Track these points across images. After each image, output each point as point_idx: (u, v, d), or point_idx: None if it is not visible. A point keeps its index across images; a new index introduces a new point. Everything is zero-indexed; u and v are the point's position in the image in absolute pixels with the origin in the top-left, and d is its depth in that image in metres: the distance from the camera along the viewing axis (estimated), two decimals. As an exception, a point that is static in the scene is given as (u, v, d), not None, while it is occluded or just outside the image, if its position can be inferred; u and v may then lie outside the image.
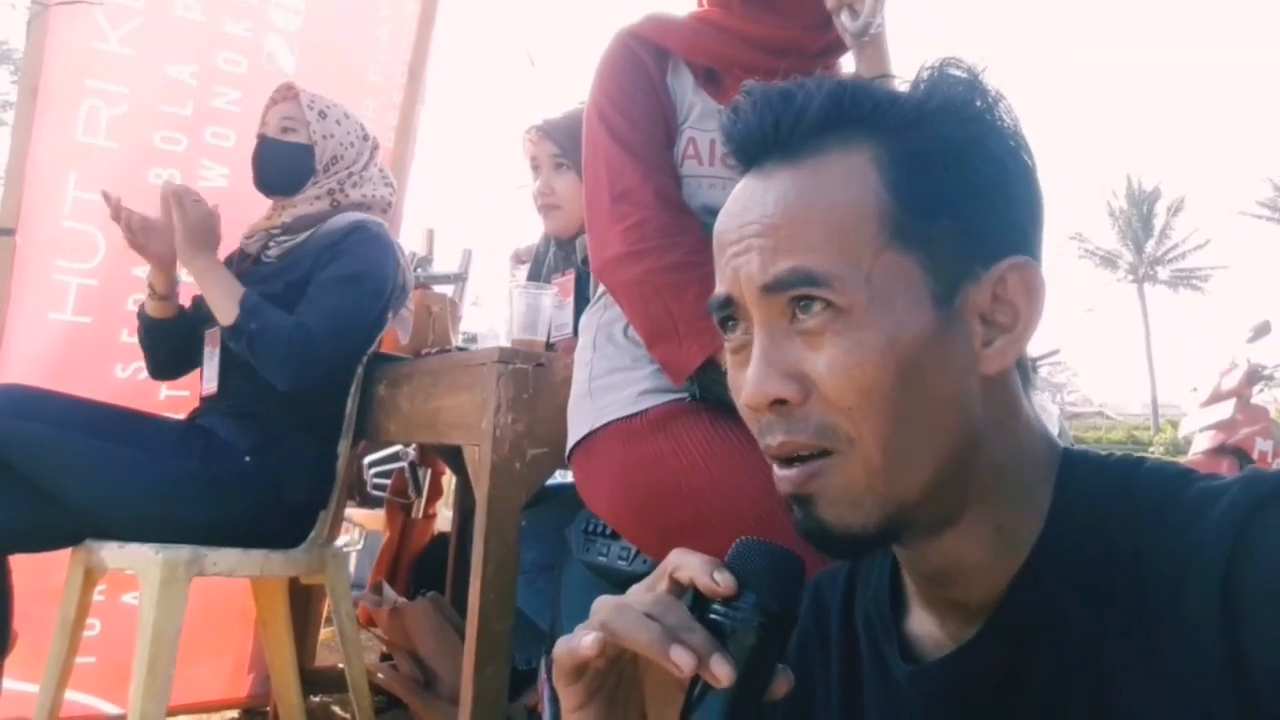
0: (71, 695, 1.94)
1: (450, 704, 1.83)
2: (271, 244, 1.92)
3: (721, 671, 0.51)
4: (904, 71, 0.63)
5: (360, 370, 1.92)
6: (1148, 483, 0.56)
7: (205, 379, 1.87)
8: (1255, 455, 4.66)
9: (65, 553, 1.77)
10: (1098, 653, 0.54)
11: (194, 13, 2.31)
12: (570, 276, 1.82)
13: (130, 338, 2.10)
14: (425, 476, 2.77)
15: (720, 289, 0.59)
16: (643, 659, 0.57)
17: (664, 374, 1.15)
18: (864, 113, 0.57)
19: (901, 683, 0.63)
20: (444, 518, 2.87)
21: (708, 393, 1.11)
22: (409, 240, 2.70)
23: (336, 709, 2.40)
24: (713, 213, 1.19)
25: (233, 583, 2.16)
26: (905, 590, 0.66)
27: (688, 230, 1.16)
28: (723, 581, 0.54)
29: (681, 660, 0.51)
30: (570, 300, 1.79)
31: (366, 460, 3.12)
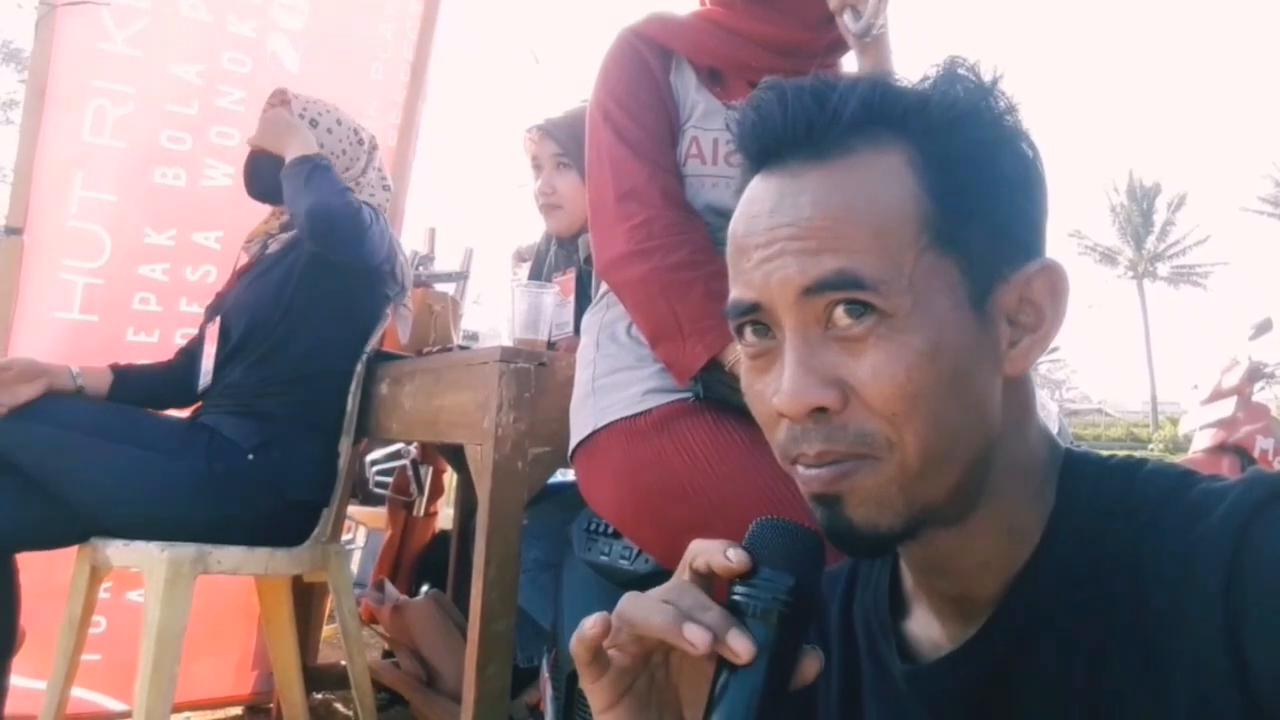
0: (78, 692, 1.95)
1: (452, 701, 1.84)
2: (270, 243, 1.93)
3: (740, 645, 0.50)
4: (906, 71, 0.62)
5: (361, 368, 1.93)
6: (1149, 484, 0.56)
7: (201, 373, 1.88)
8: (1256, 453, 4.65)
9: (71, 551, 1.78)
10: (1097, 654, 0.54)
11: (199, 12, 2.32)
12: (571, 275, 1.83)
13: (135, 336, 2.12)
14: (427, 474, 2.77)
15: (746, 294, 0.57)
16: (675, 660, 0.58)
17: (667, 374, 1.16)
18: (895, 115, 0.56)
19: (900, 683, 0.63)
20: (445, 516, 2.87)
21: (711, 392, 1.11)
22: (411, 239, 2.71)
23: (339, 706, 2.41)
24: (716, 212, 1.20)
25: (236, 581, 2.16)
26: (904, 591, 0.67)
27: (693, 229, 1.16)
28: (736, 558, 0.54)
29: (695, 637, 0.50)
30: (571, 299, 1.80)
31: (368, 458, 3.13)
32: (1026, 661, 0.56)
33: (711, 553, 0.55)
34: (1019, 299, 0.57)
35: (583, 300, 1.75)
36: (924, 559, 0.61)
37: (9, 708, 1.67)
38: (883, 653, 0.65)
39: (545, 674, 1.61)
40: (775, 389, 0.55)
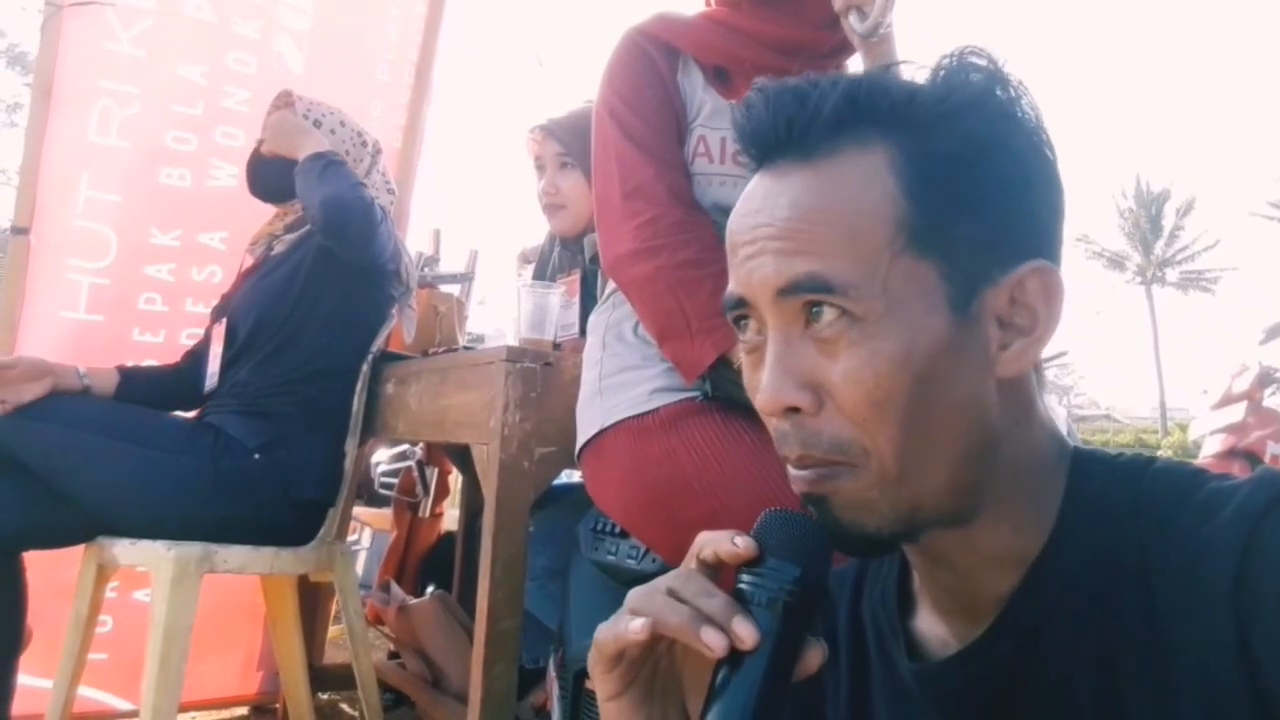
0: (84, 691, 1.95)
1: (458, 701, 1.84)
2: (275, 244, 1.94)
3: (745, 631, 0.51)
4: (908, 72, 0.60)
5: (367, 368, 1.93)
6: (1158, 483, 0.56)
7: (207, 375, 1.89)
8: (1267, 458, 4.62)
9: (78, 550, 1.78)
10: (1106, 653, 0.53)
11: (204, 13, 2.32)
12: (576, 277, 1.83)
13: (141, 336, 2.12)
14: (432, 476, 2.78)
15: (734, 289, 0.58)
16: (679, 649, 0.58)
17: (675, 372, 1.15)
18: (880, 112, 0.55)
19: (908, 681, 0.62)
20: (451, 517, 2.88)
21: (719, 391, 1.11)
22: (416, 240, 2.72)
23: (345, 706, 2.41)
24: (724, 210, 1.19)
25: (242, 580, 2.17)
26: (913, 589, 0.66)
27: (700, 228, 1.16)
28: (744, 544, 0.54)
29: (712, 640, 0.51)
30: (576, 300, 1.79)
31: (374, 459, 3.14)
32: (1035, 661, 0.56)
33: (719, 541, 0.55)
34: (1010, 301, 0.56)
35: (588, 301, 1.75)
36: (930, 558, 0.61)
37: (16, 706, 1.67)
38: (891, 651, 0.65)
39: (552, 674, 1.61)
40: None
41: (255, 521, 1.72)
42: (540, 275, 2.06)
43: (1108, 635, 0.53)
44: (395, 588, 2.37)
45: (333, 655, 2.44)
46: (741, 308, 0.58)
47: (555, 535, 1.90)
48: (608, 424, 1.18)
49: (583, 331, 1.58)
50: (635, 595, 0.55)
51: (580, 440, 1.25)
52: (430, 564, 2.79)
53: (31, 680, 1.85)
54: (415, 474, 2.79)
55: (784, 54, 1.21)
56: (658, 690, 0.58)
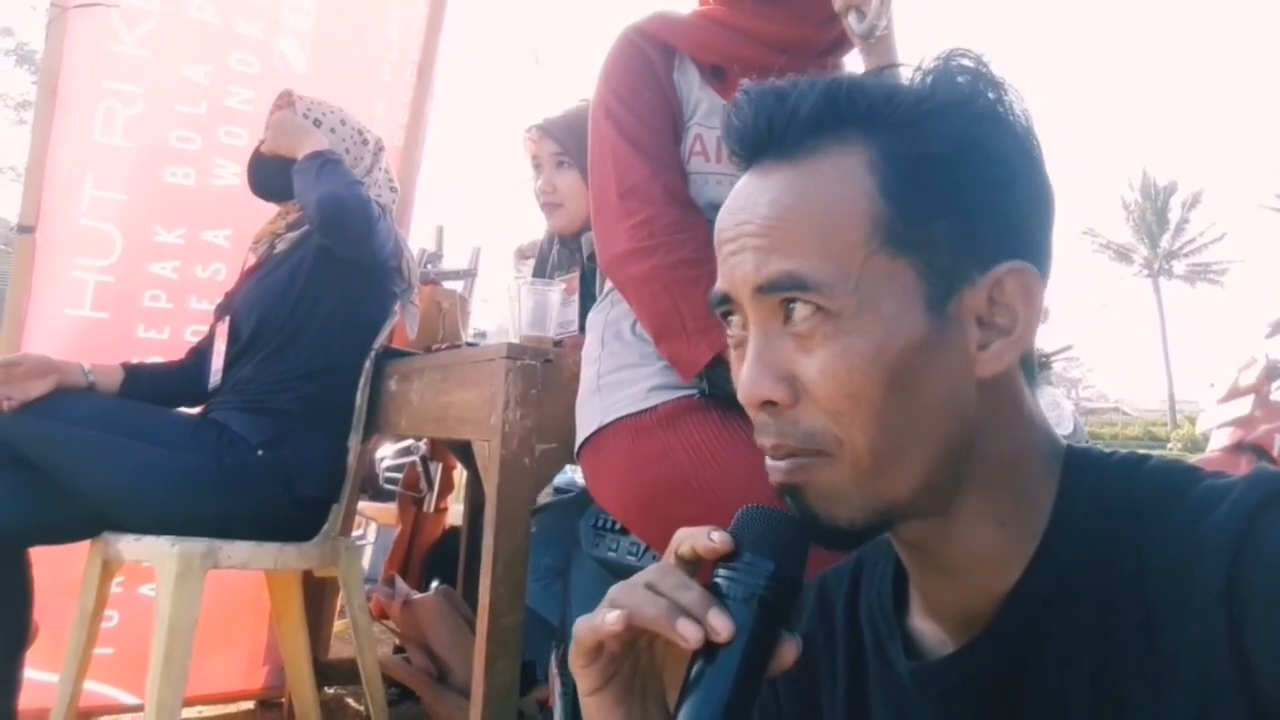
0: (90, 685, 1.97)
1: (462, 695, 1.85)
2: (277, 243, 1.95)
3: (719, 624, 0.52)
4: (910, 70, 0.60)
5: (370, 365, 1.94)
6: (1152, 480, 0.56)
7: (211, 372, 1.90)
8: (1275, 452, 4.59)
9: (84, 546, 1.79)
10: (1101, 652, 0.53)
11: (208, 14, 2.33)
12: (575, 274, 1.83)
13: (146, 333, 2.13)
14: (437, 471, 2.79)
15: (719, 285, 0.59)
16: (660, 645, 0.59)
17: (672, 371, 1.16)
18: (860, 111, 0.56)
19: (905, 680, 0.63)
20: (456, 512, 2.89)
21: (717, 389, 1.11)
22: (419, 237, 2.72)
23: (350, 701, 2.42)
24: (719, 209, 1.20)
25: (248, 576, 2.18)
26: (909, 588, 0.66)
27: (695, 227, 1.16)
28: (719, 539, 0.55)
29: (688, 631, 0.52)
30: (576, 298, 1.80)
31: (379, 454, 3.15)
32: (1031, 660, 0.56)
33: (696, 536, 0.56)
34: (989, 301, 0.56)
35: (587, 299, 1.75)
36: (914, 551, 0.61)
37: (23, 701, 1.69)
38: (888, 650, 0.65)
39: (554, 669, 1.62)
40: None
41: (259, 517, 1.73)
42: (540, 273, 2.06)
43: (1103, 634, 0.53)
44: (400, 582, 2.39)
45: (338, 650, 2.46)
46: (727, 304, 0.59)
47: (559, 535, 1.91)
48: (606, 421, 1.18)
49: (582, 329, 1.59)
50: (615, 590, 0.57)
51: (579, 438, 1.25)
52: (435, 559, 2.80)
53: (38, 675, 1.86)
54: (419, 469, 2.80)
55: (782, 52, 1.21)
56: (638, 686, 0.59)
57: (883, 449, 0.54)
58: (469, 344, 2.12)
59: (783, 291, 0.55)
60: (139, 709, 2.10)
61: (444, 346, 2.04)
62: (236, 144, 2.35)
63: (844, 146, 0.56)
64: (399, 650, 2.39)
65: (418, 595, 2.23)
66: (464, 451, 2.38)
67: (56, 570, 1.89)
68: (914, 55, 0.60)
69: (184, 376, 1.96)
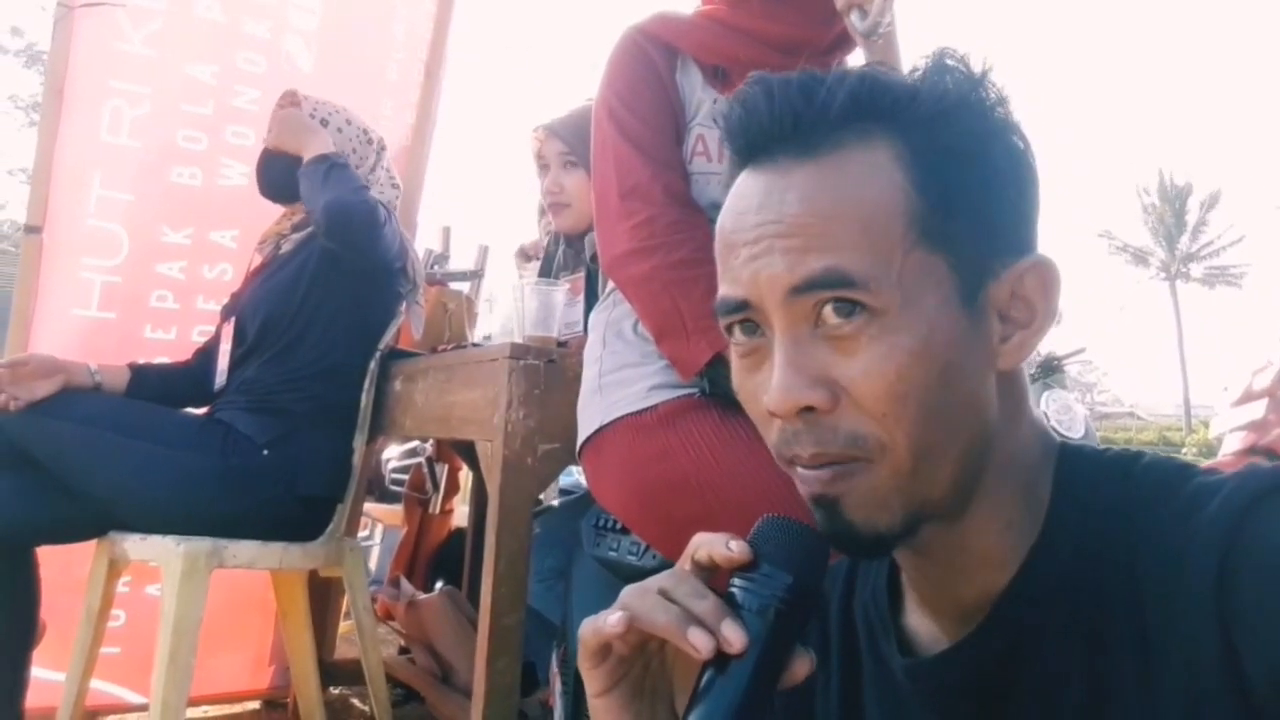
0: (97, 684, 1.98)
1: (465, 696, 1.85)
2: (283, 244, 1.95)
3: (733, 635, 0.50)
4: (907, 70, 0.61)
5: (375, 365, 1.95)
6: (1145, 478, 0.56)
7: (216, 373, 1.91)
8: (1289, 456, 4.55)
9: (90, 545, 1.81)
10: (1094, 651, 0.53)
11: (214, 13, 2.34)
12: (580, 274, 1.83)
13: (153, 333, 2.14)
14: (442, 472, 2.79)
15: (734, 292, 0.57)
16: (670, 649, 0.58)
17: (673, 370, 1.16)
18: (883, 108, 0.55)
19: (899, 677, 0.62)
20: (461, 514, 2.89)
21: (717, 388, 1.11)
22: (426, 237, 2.72)
23: (355, 701, 2.43)
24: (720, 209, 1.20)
25: (254, 576, 2.18)
26: (903, 586, 0.66)
27: (696, 227, 1.16)
28: (738, 549, 0.54)
29: (699, 641, 0.50)
30: (580, 298, 1.80)
31: (385, 456, 3.16)
32: (1026, 657, 0.56)
33: (714, 544, 0.55)
34: (1010, 294, 0.56)
35: (592, 299, 1.75)
36: (921, 555, 0.60)
37: (30, 699, 1.70)
38: (882, 648, 0.65)
39: (555, 669, 1.62)
40: (767, 387, 0.55)
41: (264, 517, 1.74)
42: (545, 273, 2.06)
43: (1097, 631, 0.53)
44: (405, 583, 2.39)
45: (343, 650, 2.46)
46: (742, 310, 0.57)
47: (562, 536, 1.91)
48: (607, 421, 1.18)
49: (587, 330, 1.59)
50: (627, 593, 0.55)
51: (581, 437, 1.25)
52: (440, 560, 2.80)
53: (45, 673, 1.88)
54: (425, 471, 2.80)
55: (785, 53, 1.20)
56: (647, 690, 0.58)
57: (922, 449, 0.53)
58: (474, 345, 2.12)
59: (824, 290, 0.52)
60: (145, 708, 2.12)
61: (449, 347, 2.04)
62: (243, 144, 2.36)
63: (868, 142, 0.55)
64: (404, 651, 2.39)
65: (422, 596, 2.23)
66: (469, 453, 2.39)
67: (63, 570, 1.90)
68: (917, 54, 0.60)
69: (190, 377, 1.97)
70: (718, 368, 1.10)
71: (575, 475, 3.38)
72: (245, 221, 2.28)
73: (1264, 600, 0.46)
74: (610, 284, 1.30)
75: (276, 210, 2.07)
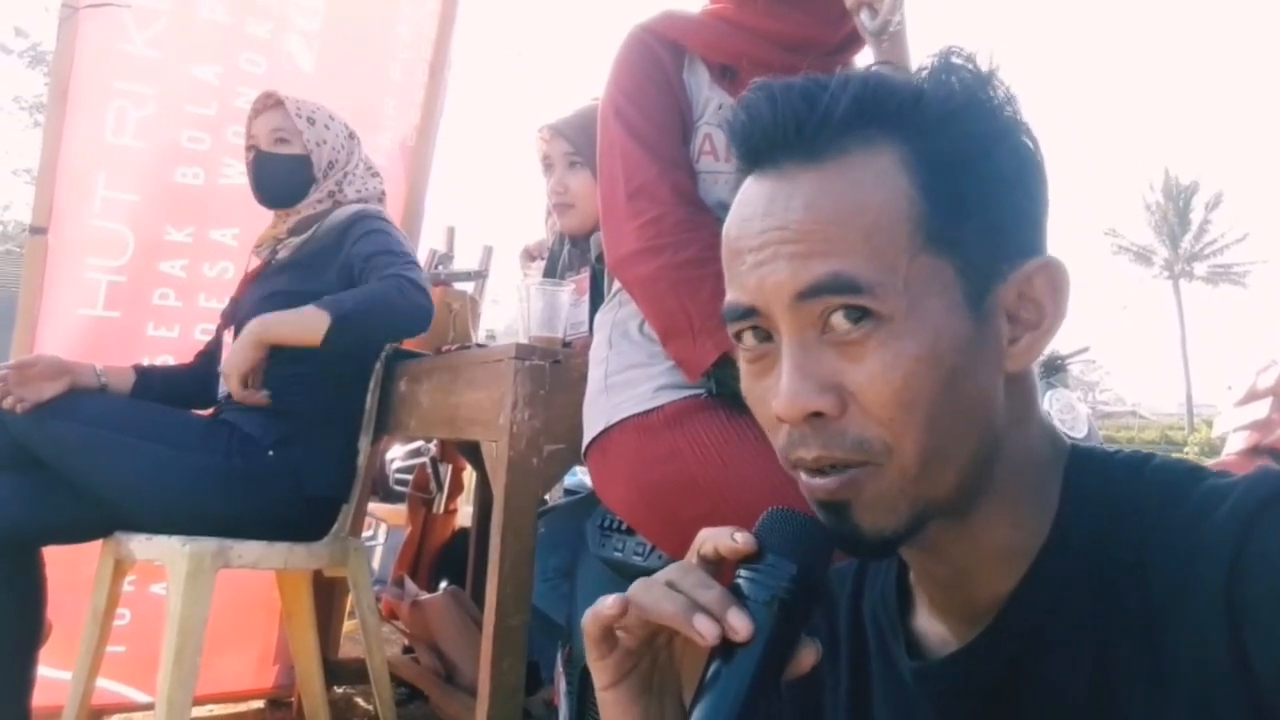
0: (103, 683, 1.99)
1: (470, 695, 1.85)
2: (280, 249, 1.95)
3: (739, 623, 0.51)
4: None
5: (380, 366, 1.94)
6: (1154, 480, 0.56)
7: (221, 379, 1.90)
8: (1293, 456, 4.53)
9: (96, 545, 1.81)
10: (1103, 653, 0.53)
11: (218, 14, 2.34)
12: (585, 275, 1.83)
13: (156, 331, 2.14)
14: (446, 472, 2.79)
15: (741, 298, 0.57)
16: (679, 644, 0.58)
17: (680, 370, 1.15)
18: (888, 112, 0.55)
19: (907, 679, 0.62)
20: (465, 514, 2.89)
21: (724, 388, 1.11)
22: (430, 238, 2.72)
23: (360, 701, 2.43)
24: (727, 209, 1.19)
25: (259, 576, 2.19)
26: (912, 588, 0.66)
27: (703, 227, 1.15)
28: (742, 540, 0.54)
29: (704, 628, 0.51)
30: (585, 299, 1.80)
31: (389, 456, 3.15)
32: (1033, 659, 0.56)
33: (719, 537, 0.56)
34: (1018, 296, 0.56)
35: (597, 300, 1.75)
36: (928, 553, 0.60)
37: (36, 698, 1.70)
38: (891, 649, 0.65)
39: (559, 668, 1.62)
40: (775, 392, 0.55)
41: (269, 517, 1.74)
42: (550, 274, 2.06)
43: (1106, 633, 0.53)
44: (409, 583, 2.39)
45: (348, 650, 2.47)
46: (750, 317, 0.57)
47: (568, 536, 1.91)
48: (613, 421, 1.18)
49: (592, 330, 1.59)
50: (635, 586, 0.56)
51: (586, 438, 1.25)
52: (444, 560, 2.80)
53: (51, 672, 1.88)
54: (429, 471, 2.80)
55: (793, 52, 1.20)
56: (655, 684, 0.59)
57: (930, 453, 0.53)
58: (479, 345, 2.12)
59: (829, 295, 0.53)
60: (150, 707, 2.12)
61: (454, 348, 2.04)
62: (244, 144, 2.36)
63: (871, 147, 0.55)
64: (408, 650, 2.39)
65: (426, 595, 2.24)
66: (473, 453, 2.39)
67: (69, 569, 1.90)
68: (926, 53, 0.60)
69: (194, 378, 1.97)
70: (724, 368, 1.10)
71: (580, 475, 3.38)
72: (245, 220, 2.27)
73: (1274, 602, 0.46)
74: (616, 284, 1.29)
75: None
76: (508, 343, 1.66)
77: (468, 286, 2.51)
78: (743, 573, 0.55)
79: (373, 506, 3.23)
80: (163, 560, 1.66)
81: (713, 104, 1.24)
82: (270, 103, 1.95)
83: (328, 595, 2.27)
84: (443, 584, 2.39)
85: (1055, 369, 4.94)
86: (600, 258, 1.66)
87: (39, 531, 1.69)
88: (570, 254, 2.00)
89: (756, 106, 0.57)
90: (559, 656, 1.64)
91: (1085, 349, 5.36)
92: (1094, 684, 0.53)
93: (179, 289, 2.31)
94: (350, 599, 2.23)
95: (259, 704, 2.39)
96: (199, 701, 1.94)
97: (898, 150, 0.54)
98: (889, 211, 0.53)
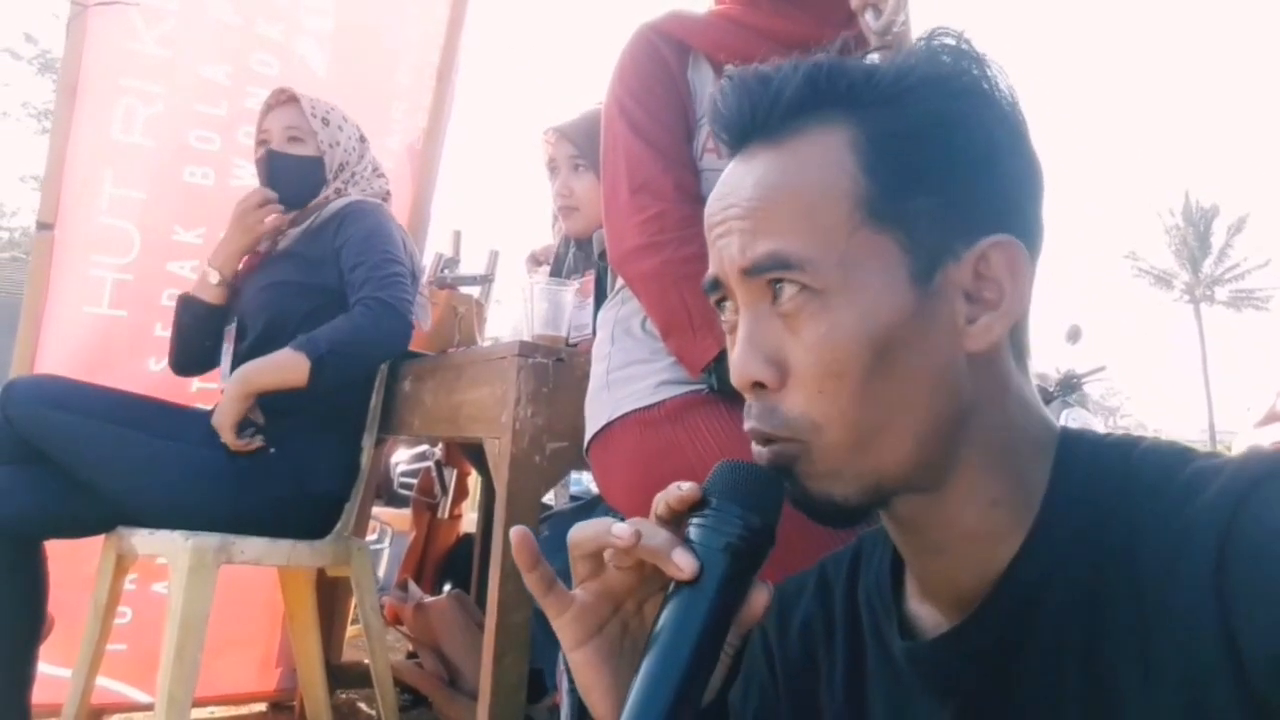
0: (103, 681, 1.98)
1: (473, 700, 1.84)
2: (280, 240, 1.96)
3: (683, 561, 0.53)
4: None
5: (384, 365, 1.94)
6: (1145, 461, 0.55)
7: (222, 375, 1.91)
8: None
9: (98, 541, 1.81)
10: (1092, 633, 0.53)
11: (227, 14, 2.35)
12: (590, 277, 1.83)
13: (163, 331, 2.14)
14: (451, 476, 2.79)
15: (711, 270, 0.60)
16: (648, 609, 0.60)
17: (681, 366, 1.15)
18: (840, 91, 0.57)
19: (900, 660, 0.63)
20: (470, 519, 2.89)
21: (725, 384, 1.10)
22: (436, 241, 2.72)
23: (362, 705, 2.42)
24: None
25: (261, 576, 2.19)
26: (906, 571, 0.66)
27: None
28: (687, 488, 0.56)
29: (683, 561, 0.52)
30: (590, 300, 1.79)
31: (394, 460, 3.16)
32: (1024, 641, 0.56)
33: (668, 492, 0.57)
34: (975, 275, 0.56)
35: (601, 300, 1.75)
36: (906, 530, 0.61)
37: (36, 695, 1.70)
38: (885, 631, 0.65)
39: (562, 668, 1.61)
40: None
41: (272, 514, 1.74)
42: (556, 276, 2.06)
43: (1095, 615, 0.53)
44: (413, 586, 2.39)
45: (351, 654, 2.46)
46: (718, 289, 0.60)
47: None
48: (615, 417, 1.18)
49: (595, 331, 1.58)
50: (576, 530, 0.58)
51: (588, 433, 1.25)
52: (448, 565, 2.80)
53: (51, 669, 1.88)
54: (434, 475, 2.80)
55: (797, 51, 1.20)
56: (626, 648, 0.59)
57: (865, 425, 0.55)
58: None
59: (768, 272, 0.55)
60: (150, 707, 2.11)
61: (459, 351, 2.04)
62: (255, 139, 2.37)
63: (825, 126, 0.57)
64: (412, 655, 2.38)
65: (430, 599, 2.23)
66: (478, 457, 2.38)
67: (71, 565, 1.90)
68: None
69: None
70: (725, 363, 1.09)
71: (585, 483, 3.37)
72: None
73: (1263, 583, 0.46)
74: (619, 281, 1.30)
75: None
76: (511, 341, 1.66)
77: (474, 290, 2.51)
78: (693, 520, 0.56)
79: (377, 510, 3.23)
80: (165, 555, 1.66)
81: None
82: (284, 98, 1.95)
83: (330, 598, 2.27)
84: (446, 588, 2.38)
85: (1071, 387, 4.90)
86: (603, 255, 1.66)
87: (42, 525, 1.69)
88: (575, 256, 2.01)
89: (725, 94, 0.60)
90: (562, 658, 1.62)
91: (1103, 368, 5.32)
92: (1084, 665, 0.53)
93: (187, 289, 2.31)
94: (353, 603, 2.23)
95: (261, 706, 2.38)
96: (200, 703, 1.93)
97: (849, 129, 0.56)
98: (828, 189, 0.55)
